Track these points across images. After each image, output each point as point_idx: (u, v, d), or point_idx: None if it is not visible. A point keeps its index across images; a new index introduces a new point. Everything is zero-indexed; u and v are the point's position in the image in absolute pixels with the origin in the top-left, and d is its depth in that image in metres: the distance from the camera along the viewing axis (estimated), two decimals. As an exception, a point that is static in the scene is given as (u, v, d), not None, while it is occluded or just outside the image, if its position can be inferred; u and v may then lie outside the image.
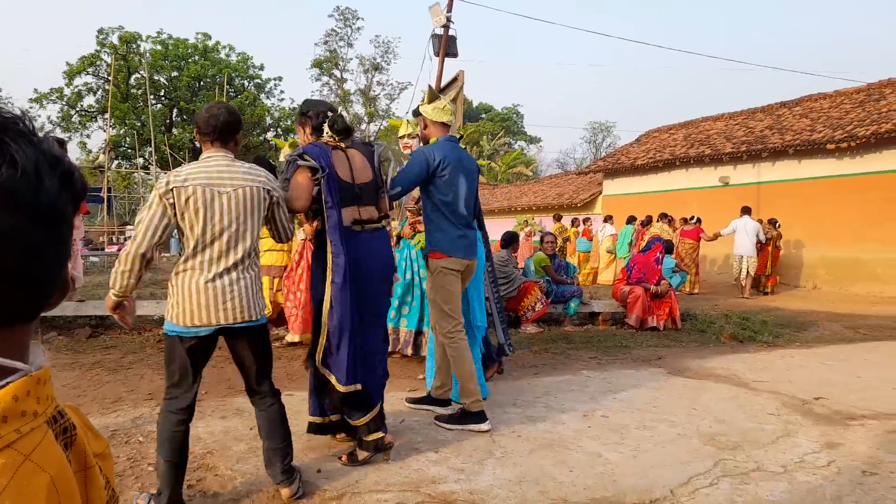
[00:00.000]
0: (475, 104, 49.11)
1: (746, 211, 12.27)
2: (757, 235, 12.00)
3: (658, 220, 13.35)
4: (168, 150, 26.46)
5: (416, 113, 4.27)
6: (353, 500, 2.73)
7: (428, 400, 4.12)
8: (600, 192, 20.36)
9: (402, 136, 4.96)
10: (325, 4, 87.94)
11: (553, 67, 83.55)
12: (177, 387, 2.58)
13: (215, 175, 2.54)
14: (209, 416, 3.77)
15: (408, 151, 4.82)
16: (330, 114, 3.19)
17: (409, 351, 5.29)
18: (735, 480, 3.01)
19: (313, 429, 3.33)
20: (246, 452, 3.24)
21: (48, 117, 33.35)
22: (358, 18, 39.74)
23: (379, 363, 3.24)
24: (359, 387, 3.04)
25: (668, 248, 8.88)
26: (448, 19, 7.74)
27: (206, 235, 2.50)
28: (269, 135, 35.98)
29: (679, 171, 16.99)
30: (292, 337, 5.80)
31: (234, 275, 2.57)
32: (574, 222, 16.04)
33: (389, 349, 4.10)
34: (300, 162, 3.00)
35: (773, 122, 16.19)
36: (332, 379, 3.04)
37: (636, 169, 18.28)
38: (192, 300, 2.51)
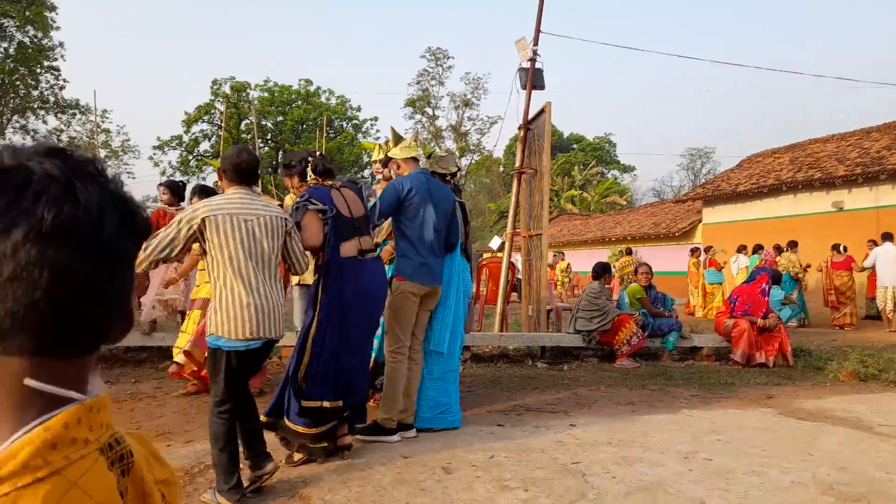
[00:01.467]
0: (566, 135, 48.76)
1: (887, 237, 11.21)
2: None
3: (787, 249, 12.53)
4: (274, 190, 28.07)
5: (388, 160, 4.52)
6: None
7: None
8: (700, 221, 19.50)
9: (375, 161, 5.03)
10: (418, 46, 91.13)
11: (645, 94, 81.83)
12: (224, 397, 2.92)
13: (239, 206, 2.90)
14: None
15: (379, 176, 4.94)
16: (310, 159, 3.57)
17: None
18: (859, 536, 2.72)
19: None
20: (337, 484, 3.29)
21: (169, 162, 36.45)
22: (449, 57, 40.68)
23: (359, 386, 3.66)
24: (340, 403, 3.42)
25: (776, 278, 8.31)
26: (534, 52, 7.79)
27: (238, 258, 2.84)
28: (366, 172, 37.42)
29: (786, 196, 15.99)
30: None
31: (271, 293, 2.94)
32: (694, 252, 14.90)
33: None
34: (310, 206, 3.34)
35: (890, 142, 14.96)
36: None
37: (738, 195, 17.39)
38: (240, 316, 2.82)
